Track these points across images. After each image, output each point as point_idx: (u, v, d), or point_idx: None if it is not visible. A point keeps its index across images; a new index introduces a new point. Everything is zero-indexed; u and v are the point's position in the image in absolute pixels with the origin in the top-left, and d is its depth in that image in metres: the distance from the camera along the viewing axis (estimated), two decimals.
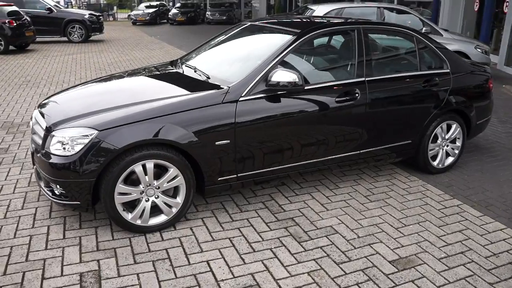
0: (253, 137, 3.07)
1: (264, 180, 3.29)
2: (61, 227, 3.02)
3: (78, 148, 2.71)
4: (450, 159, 4.16)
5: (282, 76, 3.01)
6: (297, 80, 3.01)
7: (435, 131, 3.93)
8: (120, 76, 3.84)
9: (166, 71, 3.78)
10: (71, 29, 14.40)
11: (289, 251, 2.81)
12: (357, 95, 3.41)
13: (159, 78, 3.66)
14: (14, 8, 12.12)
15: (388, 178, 4.01)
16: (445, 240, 2.99)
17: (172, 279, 2.51)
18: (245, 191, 3.66)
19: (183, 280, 2.50)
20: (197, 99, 2.97)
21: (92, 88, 3.51)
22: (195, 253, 2.77)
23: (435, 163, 4.06)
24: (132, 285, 2.44)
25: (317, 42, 3.76)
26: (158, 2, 30.98)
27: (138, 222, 2.92)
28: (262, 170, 3.22)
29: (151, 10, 28.12)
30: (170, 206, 2.98)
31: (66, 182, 2.74)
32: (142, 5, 30.90)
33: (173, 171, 2.88)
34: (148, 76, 3.73)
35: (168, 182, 2.91)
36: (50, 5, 14.18)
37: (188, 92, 3.07)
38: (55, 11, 14.18)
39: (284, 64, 3.24)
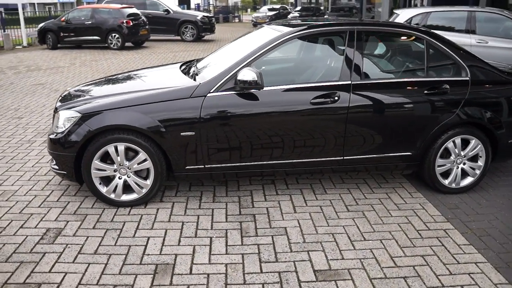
0: (218, 131, 3.23)
1: (234, 174, 3.41)
2: (60, 193, 3.61)
3: (67, 127, 3.25)
4: (469, 180, 3.67)
5: (245, 74, 3.10)
6: (256, 79, 3.07)
7: (445, 145, 3.53)
8: (134, 71, 4.32)
9: (172, 69, 4.12)
10: (184, 29, 16.01)
11: (226, 242, 2.91)
12: (337, 98, 3.29)
13: (160, 75, 4.03)
14: (134, 10, 14.09)
15: (388, 191, 3.73)
16: (397, 262, 2.74)
17: (111, 245, 2.85)
18: (230, 184, 3.82)
19: (118, 248, 2.82)
20: (169, 93, 3.26)
21: (103, 81, 4.05)
22: (145, 229, 3.07)
23: (446, 182, 3.63)
24: (77, 244, 2.86)
25: (309, 43, 3.70)
26: (279, 5, 32.12)
27: (112, 196, 3.34)
28: (230, 164, 3.35)
29: (271, 13, 29.35)
30: (141, 187, 3.34)
31: (56, 154, 3.31)
32: (265, 8, 32.41)
33: (141, 155, 3.23)
34: (154, 72, 4.14)
35: (138, 164, 3.26)
36: (168, 6, 15.97)
37: (168, 87, 3.37)
38: (172, 12, 15.92)
39: (264, 64, 3.31)
